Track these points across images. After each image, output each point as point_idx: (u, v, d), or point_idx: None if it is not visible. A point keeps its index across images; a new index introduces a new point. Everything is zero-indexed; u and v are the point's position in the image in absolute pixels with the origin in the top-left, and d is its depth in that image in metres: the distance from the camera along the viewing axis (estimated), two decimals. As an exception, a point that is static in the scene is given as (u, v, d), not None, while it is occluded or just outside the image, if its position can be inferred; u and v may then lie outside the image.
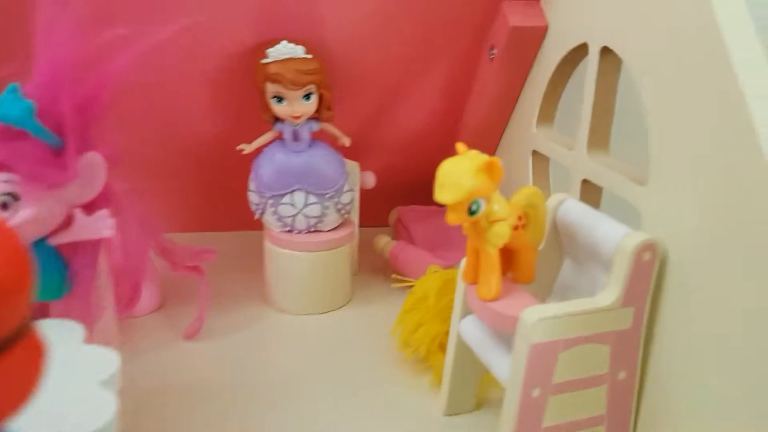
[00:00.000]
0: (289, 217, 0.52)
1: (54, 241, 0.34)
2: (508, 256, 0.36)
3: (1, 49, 0.36)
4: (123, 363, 0.47)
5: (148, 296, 0.53)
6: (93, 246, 0.36)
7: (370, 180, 0.57)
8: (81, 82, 0.33)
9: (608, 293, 0.34)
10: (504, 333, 0.36)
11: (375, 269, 0.61)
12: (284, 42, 0.46)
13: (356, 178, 0.56)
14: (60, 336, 0.34)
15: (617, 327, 0.34)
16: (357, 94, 0.56)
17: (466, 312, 0.39)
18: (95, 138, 0.34)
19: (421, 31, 0.51)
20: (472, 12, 0.49)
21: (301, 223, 0.52)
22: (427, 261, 0.54)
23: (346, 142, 0.53)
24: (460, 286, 0.39)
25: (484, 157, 0.32)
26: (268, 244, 0.53)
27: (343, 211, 0.53)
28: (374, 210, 0.64)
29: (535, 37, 0.47)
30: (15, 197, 0.32)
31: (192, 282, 0.51)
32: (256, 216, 0.53)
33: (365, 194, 0.58)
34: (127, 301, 0.49)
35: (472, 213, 0.32)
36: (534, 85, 0.49)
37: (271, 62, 0.46)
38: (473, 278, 0.36)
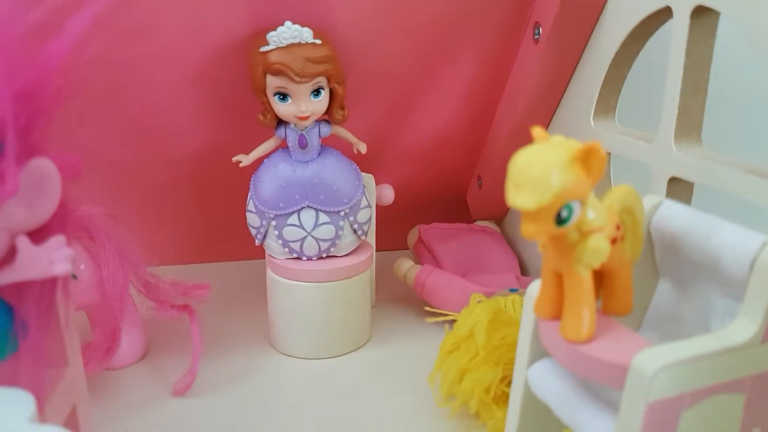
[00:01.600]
0: (296, 241, 0.43)
1: (-8, 283, 0.25)
2: (597, 279, 0.27)
3: None
4: (99, 428, 0.38)
5: (129, 343, 0.44)
6: (46, 286, 0.27)
7: (389, 194, 0.49)
8: (22, 65, 0.24)
9: (745, 325, 0.25)
10: (598, 383, 0.27)
11: (395, 299, 0.52)
12: (288, 23, 0.37)
13: (372, 193, 0.48)
14: (1, 412, 0.25)
15: (755, 370, 0.25)
16: (370, 93, 0.48)
17: (536, 355, 0.30)
18: (44, 140, 0.25)
19: (449, 12, 0.42)
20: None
21: (311, 248, 0.43)
22: (461, 288, 0.46)
23: (363, 148, 0.45)
24: (528, 320, 0.30)
25: (576, 144, 0.23)
26: (271, 275, 0.44)
27: (360, 232, 0.44)
28: (390, 230, 0.55)
29: (592, 8, 0.39)
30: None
31: (182, 324, 0.42)
32: (257, 242, 0.44)
33: (379, 212, 0.50)
34: (103, 351, 0.40)
35: (561, 222, 0.23)
36: (589, 68, 0.41)
37: (273, 50, 0.38)
38: (553, 311, 0.27)
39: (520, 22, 0.43)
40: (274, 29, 0.38)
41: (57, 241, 0.25)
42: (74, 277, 0.40)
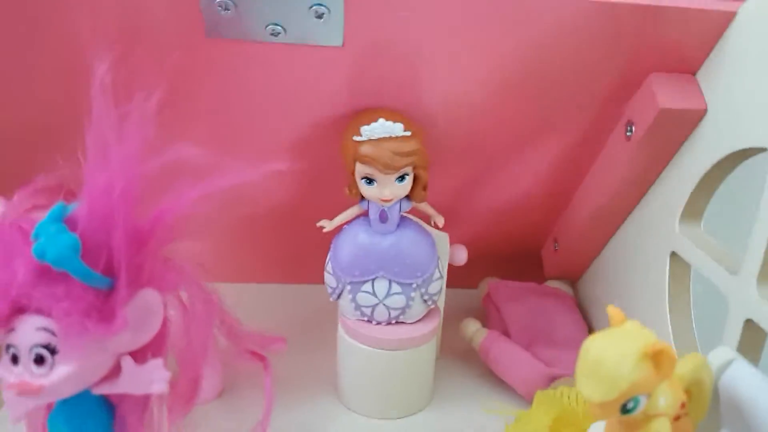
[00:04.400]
0: (368, 306, 0.45)
1: (97, 392, 0.28)
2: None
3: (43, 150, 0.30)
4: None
5: (207, 382, 0.47)
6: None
7: (462, 256, 0.50)
8: (141, 214, 0.26)
9: None
10: None
11: (459, 353, 0.53)
12: (381, 121, 0.39)
13: (445, 251, 0.49)
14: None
15: None
16: (453, 160, 0.48)
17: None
18: (151, 274, 0.28)
19: (543, 98, 0.42)
20: (609, 80, 0.40)
21: (381, 314, 0.45)
22: (527, 365, 0.46)
23: (440, 222, 0.46)
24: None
25: (649, 338, 0.24)
26: (341, 334, 0.47)
27: (430, 302, 0.46)
28: (459, 270, 0.56)
29: (690, 121, 0.38)
30: (52, 350, 0.26)
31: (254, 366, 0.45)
32: (331, 299, 0.46)
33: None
34: (184, 400, 0.43)
35: (626, 411, 0.24)
36: (680, 172, 0.40)
37: (365, 141, 0.39)
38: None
39: (612, 115, 0.43)
40: (368, 123, 0.39)
41: (156, 364, 0.28)
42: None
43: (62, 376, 0.26)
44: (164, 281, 0.29)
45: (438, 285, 0.46)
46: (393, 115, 0.40)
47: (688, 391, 0.27)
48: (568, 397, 0.41)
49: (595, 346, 0.24)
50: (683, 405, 0.26)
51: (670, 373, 0.24)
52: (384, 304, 0.45)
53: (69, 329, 0.25)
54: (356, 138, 0.39)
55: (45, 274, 0.25)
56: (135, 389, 0.28)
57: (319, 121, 0.44)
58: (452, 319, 0.53)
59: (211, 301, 0.44)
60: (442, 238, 0.49)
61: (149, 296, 0.27)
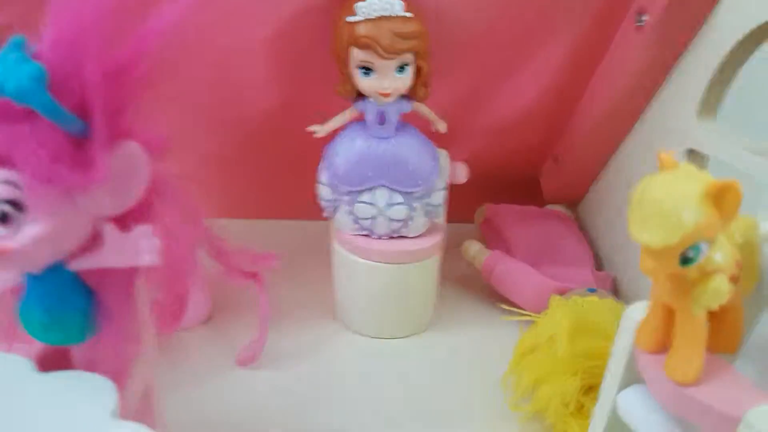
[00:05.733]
0: (367, 219, 0.42)
1: (75, 266, 0.25)
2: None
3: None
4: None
5: (194, 305, 0.43)
6: (129, 271, 0.26)
7: (462, 173, 0.46)
8: (114, 43, 0.23)
9: None
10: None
11: (461, 279, 0.51)
12: (379, -7, 0.35)
13: (445, 171, 0.46)
14: (84, 403, 0.24)
15: None
16: (454, 65, 0.45)
17: (628, 380, 0.28)
18: (132, 121, 0.24)
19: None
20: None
21: (381, 226, 0.42)
22: (535, 281, 0.44)
23: (442, 128, 0.43)
24: (625, 344, 0.28)
25: (709, 178, 0.21)
26: (338, 248, 0.43)
27: (432, 215, 0.43)
28: (455, 202, 0.53)
29: (705, 3, 0.35)
30: (18, 207, 0.22)
31: (246, 288, 0.42)
32: (326, 214, 0.43)
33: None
34: (170, 317, 0.40)
35: (685, 262, 0.21)
36: (695, 63, 0.38)
37: (361, 21, 0.36)
38: (657, 345, 0.25)
39: (619, 6, 0.40)
40: (363, -1, 0.35)
41: (143, 230, 0.24)
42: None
43: (32, 236, 0.22)
44: (148, 142, 0.25)
45: (441, 196, 0.43)
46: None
47: (741, 255, 0.25)
48: (582, 306, 0.38)
49: (652, 186, 0.21)
50: (739, 264, 0.24)
51: (733, 215, 0.21)
52: (385, 216, 0.41)
53: (36, 176, 0.21)
54: (351, 18, 0.36)
55: (4, 113, 0.21)
56: (120, 261, 0.24)
57: (304, 5, 0.39)
58: (449, 252, 0.50)
59: (193, 217, 0.41)
60: (443, 156, 0.46)
61: (132, 148, 0.23)
